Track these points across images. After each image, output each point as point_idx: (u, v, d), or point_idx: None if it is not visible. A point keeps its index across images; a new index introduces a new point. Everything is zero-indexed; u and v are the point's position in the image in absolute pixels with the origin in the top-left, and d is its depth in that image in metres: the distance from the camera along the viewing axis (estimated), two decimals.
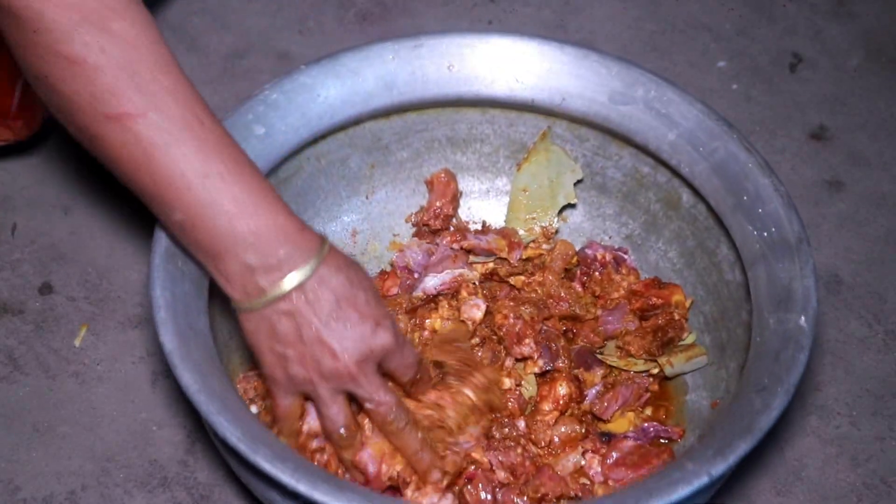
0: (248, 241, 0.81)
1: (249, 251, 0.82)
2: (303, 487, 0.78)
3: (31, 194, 1.23)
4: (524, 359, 1.02)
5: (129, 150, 0.80)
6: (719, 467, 0.80)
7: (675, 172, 1.04)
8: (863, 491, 1.06)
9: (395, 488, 0.91)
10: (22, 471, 1.04)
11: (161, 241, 0.90)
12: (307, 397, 0.88)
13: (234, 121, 0.98)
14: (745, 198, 0.98)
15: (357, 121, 1.07)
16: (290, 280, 0.82)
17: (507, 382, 1.00)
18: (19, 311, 1.14)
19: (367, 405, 0.86)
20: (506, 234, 1.10)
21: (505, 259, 1.08)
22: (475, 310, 1.02)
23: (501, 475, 0.93)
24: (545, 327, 1.03)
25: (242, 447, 0.80)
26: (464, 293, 1.04)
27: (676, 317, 1.04)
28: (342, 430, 0.87)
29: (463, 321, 1.02)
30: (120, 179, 0.83)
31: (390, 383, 0.89)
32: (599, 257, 1.09)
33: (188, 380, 0.82)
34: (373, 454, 0.90)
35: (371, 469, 0.90)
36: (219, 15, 1.40)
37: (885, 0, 1.47)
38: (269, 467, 0.79)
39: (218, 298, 0.98)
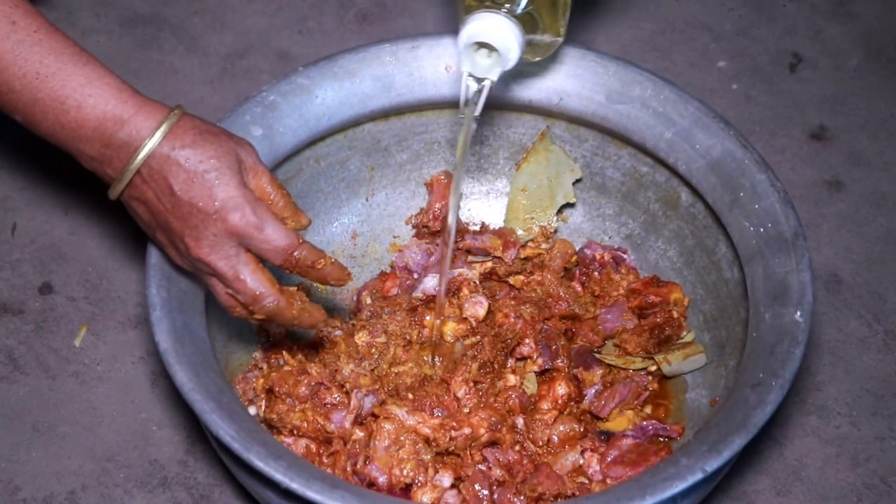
0: (80, 135, 0.80)
1: (85, 144, 0.81)
2: (296, 485, 0.78)
3: (31, 194, 1.23)
4: (523, 358, 1.02)
5: None
6: (714, 463, 0.80)
7: (674, 171, 1.04)
8: (863, 491, 1.05)
9: (408, 486, 0.91)
10: (22, 471, 1.04)
11: None
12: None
13: (231, 122, 0.98)
14: (741, 194, 0.97)
15: (356, 122, 1.07)
16: (131, 165, 0.80)
17: (512, 379, 0.99)
18: (19, 311, 1.14)
19: (230, 292, 0.84)
20: (502, 233, 1.10)
21: (501, 258, 1.08)
22: (478, 307, 1.01)
23: (498, 473, 0.93)
24: (545, 327, 1.03)
25: (236, 445, 0.80)
26: (465, 291, 1.04)
27: (675, 315, 1.04)
28: (265, 302, 0.83)
29: (465, 318, 1.02)
30: None
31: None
32: (598, 257, 1.09)
33: (182, 378, 0.83)
34: (380, 466, 0.90)
35: (382, 480, 0.90)
36: (219, 15, 1.40)
37: (885, 0, 1.47)
38: (263, 465, 0.79)
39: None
